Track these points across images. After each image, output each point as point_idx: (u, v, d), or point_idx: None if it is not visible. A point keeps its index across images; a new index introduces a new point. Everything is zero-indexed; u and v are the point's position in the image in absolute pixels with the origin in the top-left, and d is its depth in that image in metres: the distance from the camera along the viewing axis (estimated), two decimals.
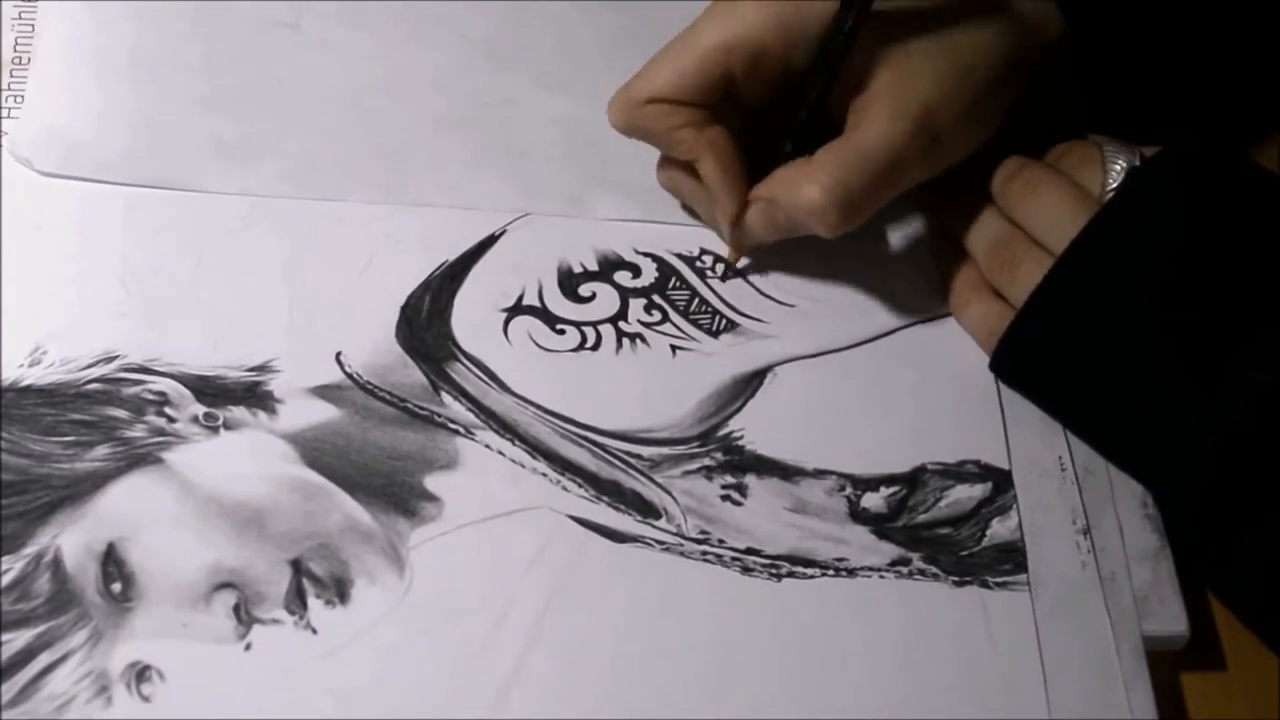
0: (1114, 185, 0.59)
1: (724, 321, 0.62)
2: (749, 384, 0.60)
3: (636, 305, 0.62)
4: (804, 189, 0.58)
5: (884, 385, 0.61)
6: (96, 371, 0.58)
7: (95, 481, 0.55)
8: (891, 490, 0.58)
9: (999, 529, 0.57)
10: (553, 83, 0.64)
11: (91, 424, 0.56)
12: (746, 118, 0.61)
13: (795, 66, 0.59)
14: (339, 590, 0.54)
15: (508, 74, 0.67)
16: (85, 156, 0.63)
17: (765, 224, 0.61)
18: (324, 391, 0.58)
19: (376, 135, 0.65)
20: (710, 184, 0.60)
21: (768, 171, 0.60)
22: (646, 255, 0.63)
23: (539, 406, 0.59)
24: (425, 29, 0.68)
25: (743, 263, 0.63)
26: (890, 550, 0.57)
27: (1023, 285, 0.59)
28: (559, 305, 0.62)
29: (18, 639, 0.51)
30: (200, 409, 0.57)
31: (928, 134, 0.58)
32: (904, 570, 0.56)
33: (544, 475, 0.57)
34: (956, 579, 0.56)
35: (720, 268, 0.63)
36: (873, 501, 0.58)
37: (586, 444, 0.58)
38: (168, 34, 0.67)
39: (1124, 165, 0.60)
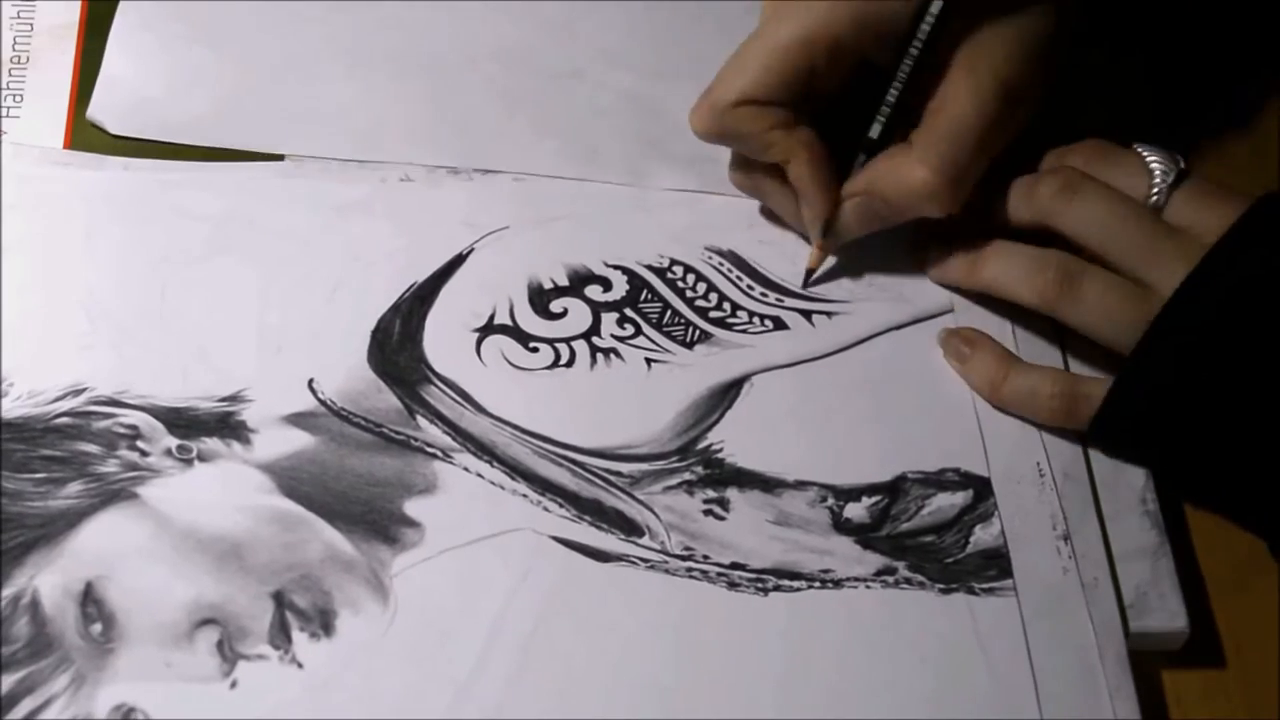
0: (1158, 190, 0.59)
1: (697, 332, 0.62)
2: (726, 394, 0.60)
3: (609, 319, 0.62)
4: (912, 173, 0.58)
5: (861, 393, 0.60)
6: (65, 405, 0.57)
7: (70, 519, 0.54)
8: (873, 500, 0.58)
9: (982, 536, 0.57)
10: (620, 58, 0.65)
11: (63, 460, 0.55)
12: (820, 116, 0.60)
13: (869, 56, 0.59)
14: (323, 622, 0.53)
15: (577, 46, 0.69)
16: (157, 118, 0.64)
17: (862, 219, 0.60)
18: (298, 419, 0.58)
19: (445, 102, 0.67)
20: (801, 185, 0.60)
21: (845, 166, 0.60)
22: (616, 268, 0.63)
23: (516, 426, 0.58)
24: None
25: (828, 263, 0.63)
26: (875, 560, 0.56)
27: (1091, 308, 0.58)
28: (531, 323, 0.61)
29: None
30: (173, 441, 0.56)
31: (1010, 98, 0.58)
32: (890, 580, 0.56)
33: (524, 496, 0.57)
34: (943, 586, 0.56)
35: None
36: (855, 512, 0.58)
37: (566, 463, 0.58)
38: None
39: (1167, 169, 0.59)
